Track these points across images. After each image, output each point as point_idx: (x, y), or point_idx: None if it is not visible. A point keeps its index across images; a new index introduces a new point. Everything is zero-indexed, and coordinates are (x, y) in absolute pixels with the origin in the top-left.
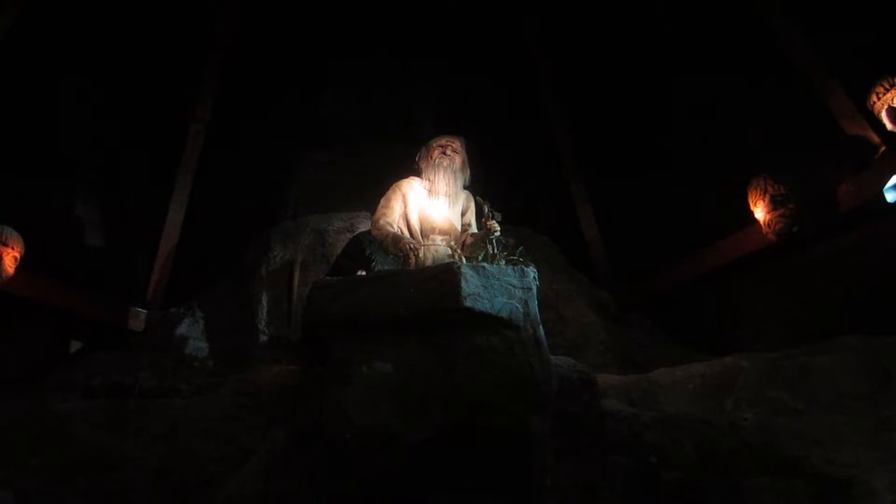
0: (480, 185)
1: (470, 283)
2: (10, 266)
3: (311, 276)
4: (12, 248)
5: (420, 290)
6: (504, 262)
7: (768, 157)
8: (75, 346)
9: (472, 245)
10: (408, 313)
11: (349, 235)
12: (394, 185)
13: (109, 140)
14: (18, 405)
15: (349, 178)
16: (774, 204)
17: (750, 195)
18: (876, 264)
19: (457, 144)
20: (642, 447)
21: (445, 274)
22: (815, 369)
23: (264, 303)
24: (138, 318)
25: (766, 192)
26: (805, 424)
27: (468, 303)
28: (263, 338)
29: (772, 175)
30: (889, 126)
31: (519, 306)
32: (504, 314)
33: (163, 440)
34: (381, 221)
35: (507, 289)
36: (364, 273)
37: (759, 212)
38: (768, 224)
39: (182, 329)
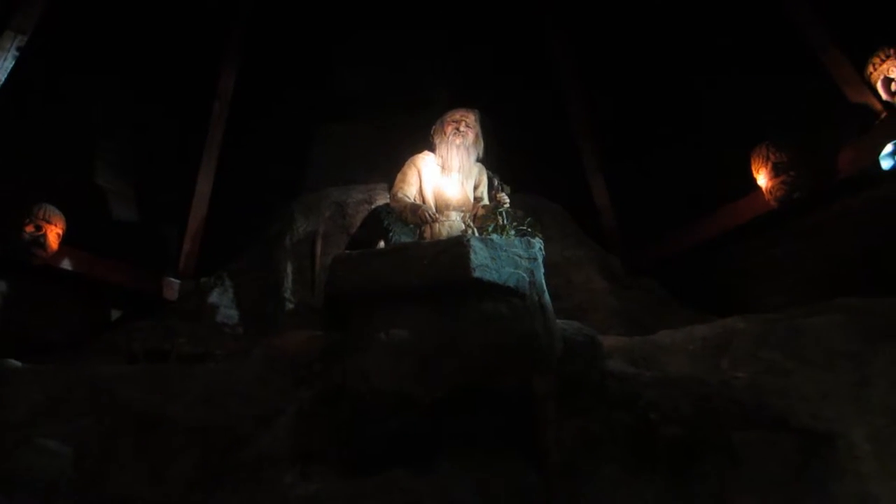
0: (494, 155)
1: (479, 255)
2: (53, 242)
3: (332, 246)
4: (55, 226)
5: (432, 262)
6: (514, 233)
7: (773, 125)
8: (115, 314)
9: (483, 217)
10: (421, 284)
11: (368, 207)
12: (409, 161)
13: (140, 118)
14: (68, 370)
15: (367, 150)
16: (776, 171)
17: (753, 163)
18: (874, 228)
19: (471, 118)
20: (642, 405)
21: (456, 247)
22: (808, 330)
23: (289, 272)
24: (172, 287)
25: (767, 159)
26: (794, 382)
27: (477, 273)
28: (289, 305)
29: (773, 143)
30: (884, 96)
31: (525, 275)
32: (511, 283)
33: (200, 401)
34: (399, 194)
35: (513, 259)
36: (382, 243)
37: (762, 179)
38: (770, 191)
39: (213, 298)
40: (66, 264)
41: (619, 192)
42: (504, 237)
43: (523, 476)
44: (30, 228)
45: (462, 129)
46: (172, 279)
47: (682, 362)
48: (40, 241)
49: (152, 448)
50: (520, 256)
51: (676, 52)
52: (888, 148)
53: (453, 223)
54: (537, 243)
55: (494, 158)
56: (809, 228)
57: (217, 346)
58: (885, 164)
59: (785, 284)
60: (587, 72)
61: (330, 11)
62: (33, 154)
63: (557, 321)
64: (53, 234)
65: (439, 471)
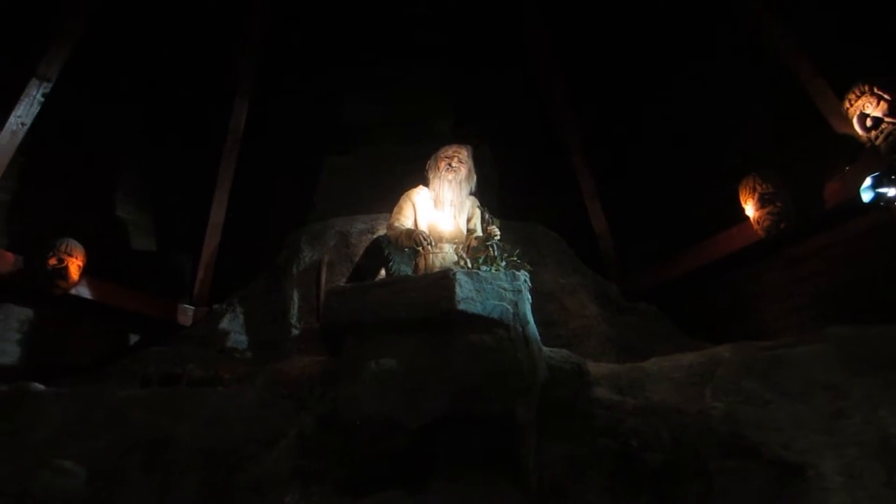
0: (493, 185)
1: (464, 288)
2: (74, 273)
3: (336, 274)
4: (76, 258)
5: (421, 294)
6: (504, 264)
7: (766, 154)
8: (133, 338)
9: (475, 248)
10: (410, 316)
11: (370, 237)
12: (405, 195)
13: (157, 154)
14: (86, 392)
15: (370, 181)
16: (763, 202)
17: (741, 193)
18: (861, 257)
19: (463, 154)
20: (625, 432)
21: (443, 280)
22: (791, 360)
23: (295, 299)
24: (186, 313)
25: (755, 190)
26: (770, 412)
27: (462, 306)
28: (295, 331)
29: (760, 174)
30: (860, 131)
31: (509, 307)
32: (495, 315)
33: (208, 423)
34: (396, 224)
35: (498, 292)
36: (384, 271)
37: (750, 209)
38: (758, 221)
39: (224, 324)
40: (86, 293)
41: (618, 218)
42: (493, 268)
43: (512, 499)
44: (53, 261)
45: (455, 164)
46: (187, 306)
47: (667, 390)
48: (62, 273)
49: (161, 468)
50: (504, 289)
51: (674, 85)
52: (867, 181)
53: (446, 255)
54: (522, 276)
55: (494, 189)
56: (799, 257)
57: (226, 370)
58: (866, 196)
59: (778, 311)
60: (584, 100)
61: (337, 47)
62: (57, 189)
63: (545, 349)
64: (75, 266)
65: (432, 492)
